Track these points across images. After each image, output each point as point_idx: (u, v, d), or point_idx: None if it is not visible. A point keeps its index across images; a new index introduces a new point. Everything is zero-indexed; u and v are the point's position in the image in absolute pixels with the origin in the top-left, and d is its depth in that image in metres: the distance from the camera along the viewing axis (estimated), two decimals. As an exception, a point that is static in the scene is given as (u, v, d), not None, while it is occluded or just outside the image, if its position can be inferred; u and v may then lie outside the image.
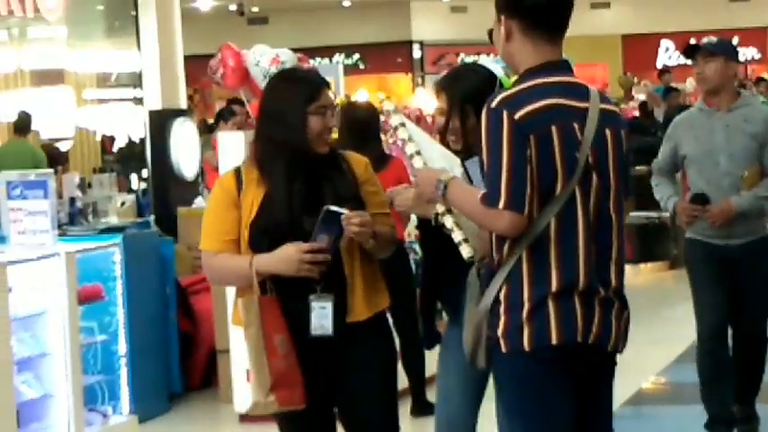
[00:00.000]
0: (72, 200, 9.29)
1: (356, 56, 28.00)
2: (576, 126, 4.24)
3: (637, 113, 19.68)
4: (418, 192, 4.58)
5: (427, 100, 17.98)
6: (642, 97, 21.03)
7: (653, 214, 15.14)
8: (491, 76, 5.29)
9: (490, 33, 4.48)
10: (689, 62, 7.53)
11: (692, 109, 7.70)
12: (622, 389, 9.04)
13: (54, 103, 15.48)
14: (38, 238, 7.28)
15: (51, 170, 8.85)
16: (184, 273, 10.00)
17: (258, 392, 4.70)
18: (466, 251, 4.58)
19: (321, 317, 4.73)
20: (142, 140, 15.60)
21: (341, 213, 4.67)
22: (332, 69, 18.15)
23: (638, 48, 30.16)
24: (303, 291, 4.75)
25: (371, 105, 9.38)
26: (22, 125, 14.39)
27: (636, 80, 24.24)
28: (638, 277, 15.09)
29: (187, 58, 17.16)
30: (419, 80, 28.13)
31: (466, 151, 5.01)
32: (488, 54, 16.15)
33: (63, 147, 16.28)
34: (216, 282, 5.15)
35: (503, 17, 4.31)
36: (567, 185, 4.21)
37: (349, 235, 4.69)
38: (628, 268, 16.51)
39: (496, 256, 4.28)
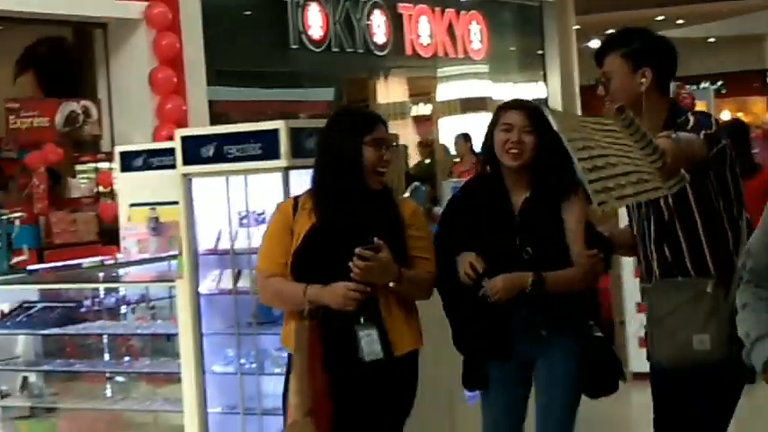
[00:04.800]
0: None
1: (719, 82, 27.30)
2: None
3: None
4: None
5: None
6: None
7: None
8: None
9: (598, 80, 4.08)
10: None
11: None
12: None
13: (478, 127, 15.74)
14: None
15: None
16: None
17: (297, 413, 4.03)
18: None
19: (370, 343, 4.10)
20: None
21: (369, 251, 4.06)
22: (704, 94, 17.81)
23: None
24: (347, 325, 4.10)
25: (741, 120, 9.12)
26: None
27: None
28: None
29: (582, 88, 17.18)
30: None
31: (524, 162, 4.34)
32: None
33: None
34: (267, 302, 4.42)
35: (646, 69, 3.97)
36: None
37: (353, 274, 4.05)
38: None
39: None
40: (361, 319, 4.08)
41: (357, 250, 4.01)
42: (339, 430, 4.08)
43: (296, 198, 4.30)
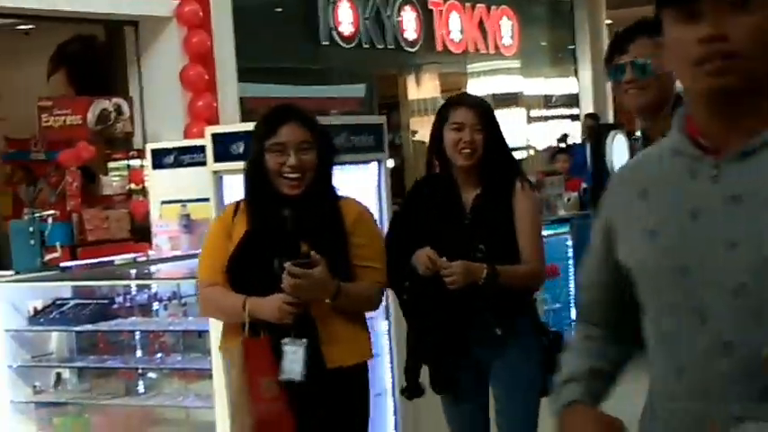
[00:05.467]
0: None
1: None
2: None
3: None
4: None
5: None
6: None
7: None
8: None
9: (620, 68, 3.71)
10: None
11: (651, 148, 2.25)
12: None
13: (510, 121, 15.75)
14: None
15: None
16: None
17: None
18: None
19: (292, 361, 3.79)
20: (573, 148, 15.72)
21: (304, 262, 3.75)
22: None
23: None
24: (280, 339, 3.83)
25: None
26: None
27: None
28: None
29: (614, 82, 17.11)
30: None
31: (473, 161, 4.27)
32: None
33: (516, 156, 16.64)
34: (207, 314, 4.15)
35: None
36: None
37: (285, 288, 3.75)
38: None
39: None
40: (292, 334, 3.80)
41: (287, 265, 3.72)
42: None
43: (238, 202, 4.05)
